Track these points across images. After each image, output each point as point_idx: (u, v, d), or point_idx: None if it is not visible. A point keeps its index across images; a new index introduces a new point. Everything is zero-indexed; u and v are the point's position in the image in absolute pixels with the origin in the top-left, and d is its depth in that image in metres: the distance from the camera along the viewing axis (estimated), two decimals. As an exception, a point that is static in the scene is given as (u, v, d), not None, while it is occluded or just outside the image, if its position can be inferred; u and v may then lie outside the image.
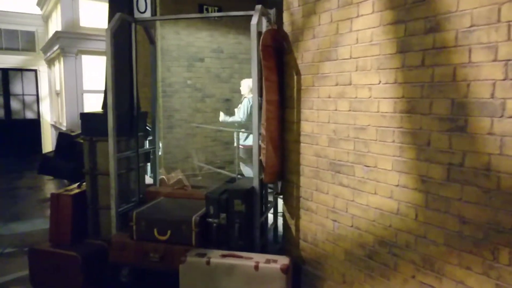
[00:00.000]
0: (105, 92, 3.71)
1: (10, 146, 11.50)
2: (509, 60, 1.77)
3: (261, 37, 2.99)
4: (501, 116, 1.81)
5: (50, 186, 7.87)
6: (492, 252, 1.87)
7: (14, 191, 7.40)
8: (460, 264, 2.01)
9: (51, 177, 7.93)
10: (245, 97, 5.50)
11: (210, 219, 3.06)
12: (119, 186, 3.42)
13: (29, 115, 12.02)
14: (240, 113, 5.39)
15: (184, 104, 6.98)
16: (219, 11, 7.09)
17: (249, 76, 7.26)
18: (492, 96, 1.84)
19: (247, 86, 5.42)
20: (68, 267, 3.29)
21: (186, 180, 5.55)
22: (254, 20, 2.97)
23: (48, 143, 11.33)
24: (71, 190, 3.69)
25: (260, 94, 3.08)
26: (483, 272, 1.91)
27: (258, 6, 3.05)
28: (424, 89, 2.14)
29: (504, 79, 1.79)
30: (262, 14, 3.11)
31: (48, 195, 7.02)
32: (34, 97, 11.90)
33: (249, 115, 5.17)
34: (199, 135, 7.14)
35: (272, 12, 3.35)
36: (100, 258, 3.41)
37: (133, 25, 3.71)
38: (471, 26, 1.91)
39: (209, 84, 7.14)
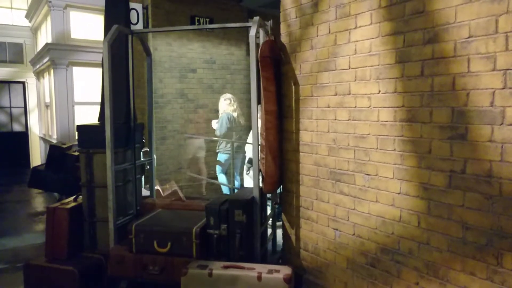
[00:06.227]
0: (102, 103, 3.69)
1: (-3, 159, 11.29)
2: (508, 69, 1.82)
3: (259, 48, 3.02)
4: (501, 124, 1.86)
5: (39, 200, 7.72)
6: (496, 257, 1.90)
7: (2, 205, 7.24)
8: (464, 269, 2.04)
9: (40, 191, 7.78)
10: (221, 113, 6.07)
11: (210, 230, 3.05)
12: (116, 199, 3.38)
13: (17, 127, 11.83)
14: (221, 128, 5.95)
15: (176, 115, 6.98)
16: (210, 22, 7.14)
17: (240, 86, 7.31)
18: (492, 104, 1.89)
19: (222, 104, 6.09)
20: (64, 282, 3.23)
21: (180, 191, 5.53)
22: (252, 32, 3.00)
23: (37, 156, 11.14)
24: (68, 203, 3.64)
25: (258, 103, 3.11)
26: (487, 277, 1.94)
27: (256, 18, 3.08)
28: (424, 98, 2.19)
29: (503, 88, 1.85)
30: (260, 25, 3.15)
31: (38, 209, 6.91)
32: (22, 110, 11.72)
33: (227, 129, 5.89)
34: (192, 145, 7.12)
35: (269, 23, 3.39)
36: (98, 272, 3.37)
37: (129, 37, 3.70)
38: (469, 37, 1.97)
39: (202, 94, 7.16)
